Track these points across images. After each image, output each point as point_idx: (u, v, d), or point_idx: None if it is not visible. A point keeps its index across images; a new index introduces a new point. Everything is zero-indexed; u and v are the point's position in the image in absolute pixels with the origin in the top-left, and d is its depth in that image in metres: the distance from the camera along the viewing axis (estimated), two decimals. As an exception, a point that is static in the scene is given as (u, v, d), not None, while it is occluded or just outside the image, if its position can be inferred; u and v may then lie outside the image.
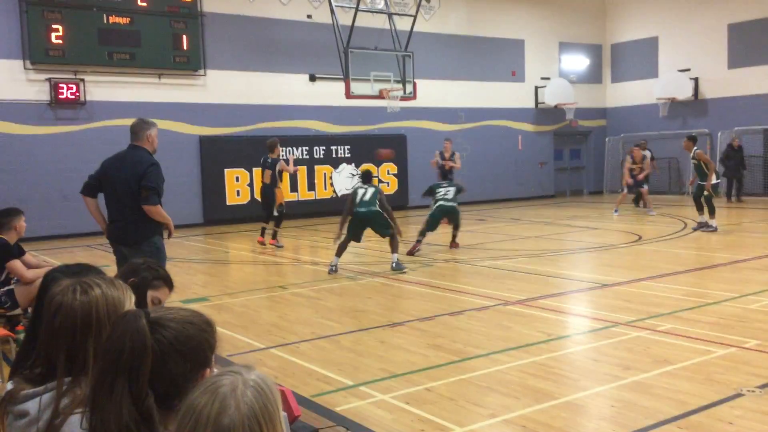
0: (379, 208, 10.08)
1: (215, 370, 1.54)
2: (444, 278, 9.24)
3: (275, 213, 13.05)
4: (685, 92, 22.10)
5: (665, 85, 22.45)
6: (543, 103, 23.11)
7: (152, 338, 1.53)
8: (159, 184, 5.69)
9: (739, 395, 4.47)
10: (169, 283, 2.91)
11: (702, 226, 13.18)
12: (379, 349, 5.93)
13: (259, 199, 13.88)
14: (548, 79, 23.26)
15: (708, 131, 21.71)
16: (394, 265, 9.86)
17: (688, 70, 22.31)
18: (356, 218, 10.00)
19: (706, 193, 12.95)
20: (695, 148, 13.25)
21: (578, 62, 24.45)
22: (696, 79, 22.24)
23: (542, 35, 23.46)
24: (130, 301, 1.90)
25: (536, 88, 23.21)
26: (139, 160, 5.66)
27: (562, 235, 13.00)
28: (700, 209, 13.27)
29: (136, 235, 5.70)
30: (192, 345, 1.57)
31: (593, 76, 24.92)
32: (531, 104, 23.28)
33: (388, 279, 9.30)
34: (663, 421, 4.11)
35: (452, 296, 8.07)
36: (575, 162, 25.03)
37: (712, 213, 13.06)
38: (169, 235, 5.94)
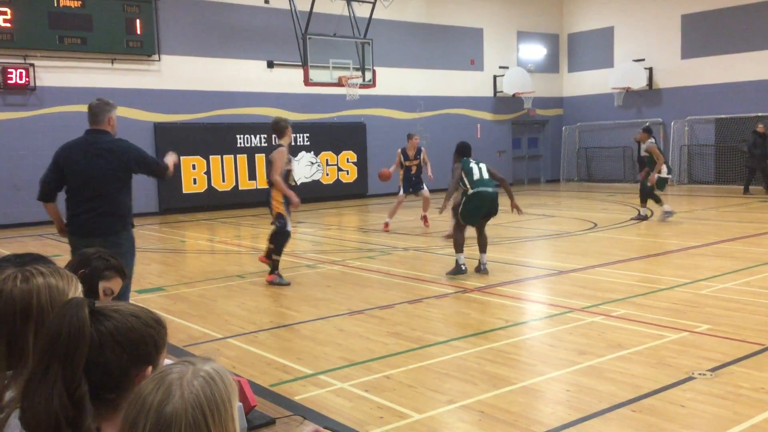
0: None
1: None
2: (403, 266, 9.26)
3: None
4: (639, 82, 22.50)
5: (620, 74, 22.82)
6: (501, 92, 23.28)
7: (92, 327, 1.48)
8: (149, 155, 5.52)
9: (690, 378, 4.58)
10: (121, 273, 2.83)
11: (652, 216, 13.18)
12: (338, 337, 5.91)
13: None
14: (506, 68, 23.43)
15: (662, 120, 22.17)
16: (483, 267, 8.44)
17: (642, 60, 22.72)
18: (479, 199, 8.20)
19: (649, 184, 12.84)
20: (650, 140, 13.19)
21: (536, 52, 24.67)
22: (650, 69, 22.66)
23: (500, 24, 23.60)
24: (75, 291, 1.84)
25: (495, 77, 23.36)
26: (118, 148, 5.18)
27: (520, 223, 13.15)
28: (655, 201, 13.09)
29: (112, 227, 5.22)
30: (133, 338, 1.52)
31: (550, 66, 25.19)
32: (490, 93, 23.43)
33: (347, 267, 9.28)
34: (617, 405, 4.18)
35: (412, 284, 8.09)
36: (533, 150, 25.31)
37: (651, 200, 13.06)
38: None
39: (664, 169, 12.91)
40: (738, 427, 3.80)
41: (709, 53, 21.37)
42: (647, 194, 13.09)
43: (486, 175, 8.30)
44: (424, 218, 13.08)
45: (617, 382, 4.56)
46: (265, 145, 18.61)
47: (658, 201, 13.04)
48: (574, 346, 5.41)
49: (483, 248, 8.53)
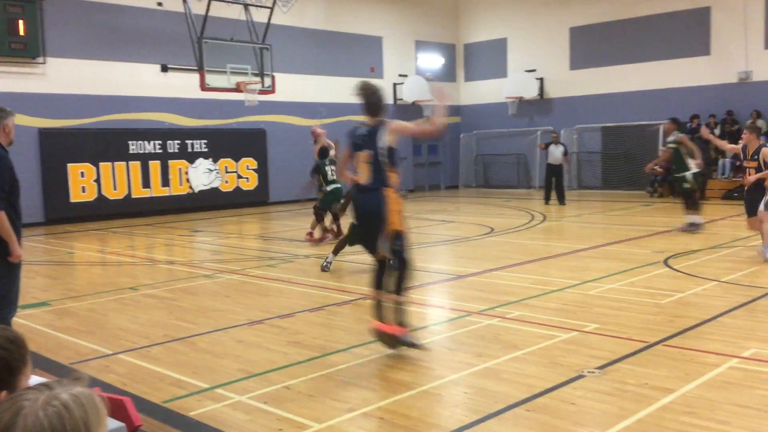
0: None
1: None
2: (305, 274, 9.17)
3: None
4: (531, 92, 23.41)
5: (513, 84, 23.67)
6: (401, 99, 23.59)
7: None
8: (1, 186, 4.84)
9: (580, 376, 4.76)
10: None
11: (693, 227, 11.80)
12: (237, 348, 5.77)
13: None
14: (406, 76, 23.77)
15: (552, 129, 23.12)
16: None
17: (534, 70, 23.64)
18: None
19: (686, 185, 11.91)
20: (676, 131, 12.15)
21: (434, 60, 25.18)
22: (541, 80, 23.61)
23: (399, 33, 23.94)
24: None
25: (394, 84, 23.65)
26: None
27: (421, 229, 13.34)
28: (693, 205, 11.96)
29: None
30: None
31: (448, 75, 25.77)
32: (390, 100, 23.69)
33: (246, 276, 9.09)
34: (512, 405, 4.29)
35: (313, 292, 8.02)
36: (433, 157, 25.80)
37: (694, 207, 11.91)
38: (11, 256, 4.93)
39: (691, 162, 11.87)
40: (625, 422, 3.98)
41: (595, 64, 22.51)
42: (689, 196, 11.97)
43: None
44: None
45: (512, 383, 4.68)
46: (160, 151, 18.02)
47: (695, 206, 11.92)
48: (472, 349, 5.52)
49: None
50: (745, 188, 9.54)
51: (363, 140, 5.29)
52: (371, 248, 5.37)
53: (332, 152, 12.15)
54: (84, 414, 1.24)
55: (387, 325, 5.23)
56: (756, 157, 9.26)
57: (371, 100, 5.34)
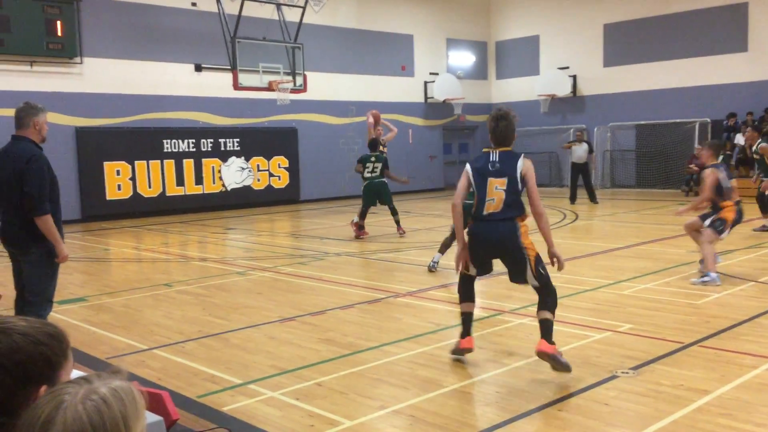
0: None
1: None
2: (335, 272, 9.22)
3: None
4: (564, 89, 23.16)
5: (546, 82, 23.44)
6: (432, 98, 23.55)
7: None
8: (42, 186, 4.91)
9: (614, 377, 4.71)
10: None
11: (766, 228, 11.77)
12: (269, 345, 5.82)
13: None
14: (437, 74, 23.72)
15: (585, 127, 22.86)
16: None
17: (567, 68, 23.39)
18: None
19: (762, 190, 11.84)
20: (759, 141, 11.95)
21: (465, 58, 25.07)
22: (574, 77, 23.35)
23: (430, 31, 23.88)
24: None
25: (425, 83, 23.61)
26: (19, 155, 4.93)
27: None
28: (765, 210, 11.97)
29: (24, 238, 5.02)
30: (18, 359, 1.44)
31: (479, 73, 25.64)
32: (420, 99, 23.66)
33: (278, 274, 9.17)
34: (544, 405, 4.26)
35: (343, 290, 8.06)
36: (463, 156, 25.66)
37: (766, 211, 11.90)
38: (58, 257, 5.05)
39: None
40: (659, 423, 3.93)
41: (629, 62, 22.20)
42: (765, 203, 11.95)
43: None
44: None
45: (545, 383, 4.65)
46: (194, 150, 18.24)
47: (766, 211, 11.98)
48: (504, 348, 5.49)
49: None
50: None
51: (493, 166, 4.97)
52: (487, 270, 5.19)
53: (382, 148, 12.27)
54: (123, 408, 1.25)
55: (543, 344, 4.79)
56: None
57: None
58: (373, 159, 12.01)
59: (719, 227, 7.76)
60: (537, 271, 4.88)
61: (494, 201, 4.87)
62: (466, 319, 5.16)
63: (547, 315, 4.84)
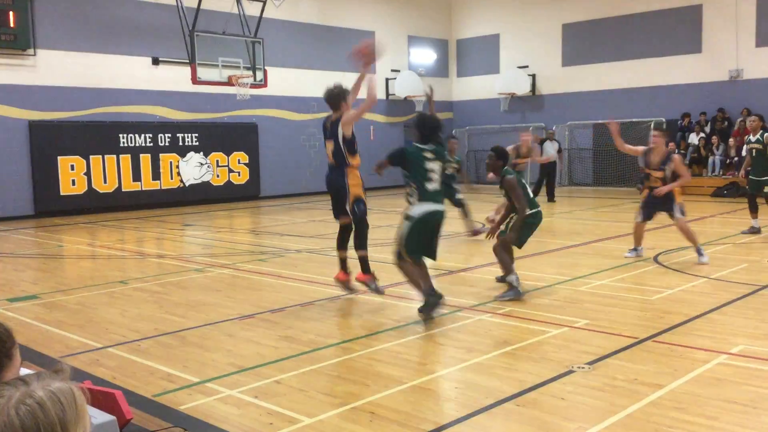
0: None
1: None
2: (295, 269, 9.16)
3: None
4: (523, 88, 23.41)
5: (506, 80, 23.66)
6: (393, 94, 23.56)
7: None
8: None
9: (570, 372, 4.78)
10: None
11: (755, 230, 11.03)
12: (227, 343, 5.75)
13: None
14: (398, 71, 23.74)
15: (544, 125, 23.14)
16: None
17: (526, 67, 23.65)
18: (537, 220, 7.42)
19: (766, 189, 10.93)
20: (762, 130, 10.93)
21: (426, 56, 25.15)
22: (533, 76, 23.62)
23: (392, 28, 23.88)
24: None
25: (387, 80, 23.61)
26: None
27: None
28: (754, 210, 11.11)
29: None
30: None
31: (440, 70, 25.74)
32: (382, 95, 23.65)
33: (237, 271, 9.07)
34: (502, 400, 4.30)
35: (304, 286, 8.02)
36: (424, 153, 25.75)
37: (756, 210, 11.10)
38: None
39: None
40: (614, 417, 4.00)
41: (587, 62, 22.55)
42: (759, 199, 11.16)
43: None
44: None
45: (503, 378, 4.70)
46: (150, 144, 17.93)
47: (755, 210, 11.14)
48: (463, 344, 5.53)
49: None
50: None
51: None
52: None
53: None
54: (60, 412, 1.19)
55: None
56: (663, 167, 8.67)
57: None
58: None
59: (682, 208, 8.91)
60: (354, 205, 6.91)
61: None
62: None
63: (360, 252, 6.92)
